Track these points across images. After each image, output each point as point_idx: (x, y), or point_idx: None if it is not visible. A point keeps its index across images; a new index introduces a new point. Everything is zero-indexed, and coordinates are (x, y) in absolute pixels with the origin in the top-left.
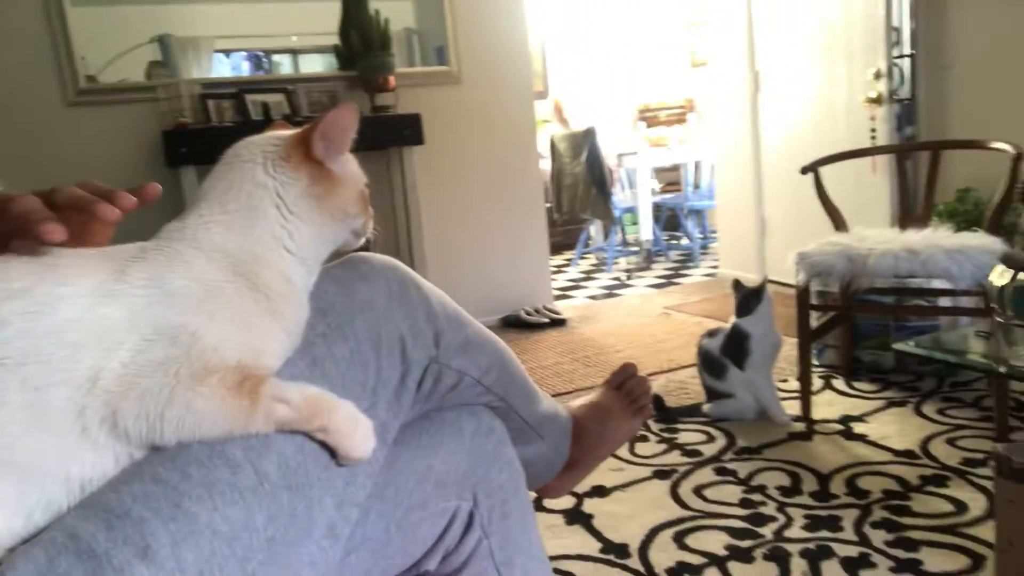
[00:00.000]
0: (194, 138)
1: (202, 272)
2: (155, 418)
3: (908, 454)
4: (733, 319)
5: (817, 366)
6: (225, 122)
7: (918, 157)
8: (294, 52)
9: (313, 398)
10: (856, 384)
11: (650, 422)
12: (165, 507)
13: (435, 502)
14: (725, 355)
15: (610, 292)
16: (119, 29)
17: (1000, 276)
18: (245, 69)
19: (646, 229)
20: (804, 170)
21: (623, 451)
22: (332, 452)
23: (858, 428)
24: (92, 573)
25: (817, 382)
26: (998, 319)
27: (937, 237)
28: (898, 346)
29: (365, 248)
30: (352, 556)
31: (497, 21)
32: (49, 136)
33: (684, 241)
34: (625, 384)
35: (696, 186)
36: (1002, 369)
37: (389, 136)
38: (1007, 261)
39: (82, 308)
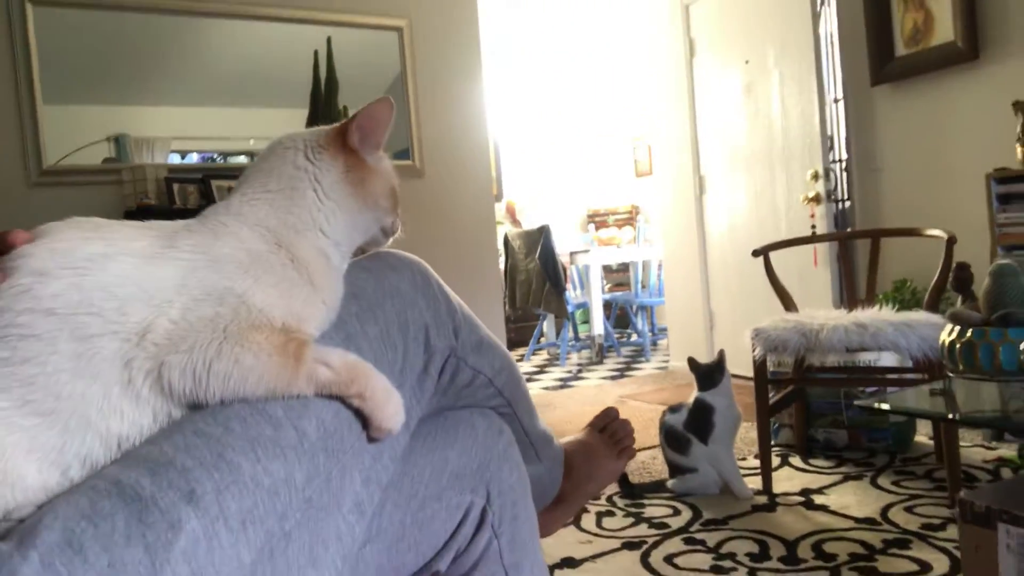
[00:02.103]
0: (156, 218)
1: (247, 242)
2: (202, 371)
3: (869, 521)
4: (696, 393)
5: (773, 445)
6: (189, 205)
7: (856, 251)
8: (251, 155)
9: (352, 363)
10: (812, 461)
11: (616, 498)
12: (209, 457)
13: (449, 494)
14: (688, 429)
15: (564, 384)
16: (78, 126)
17: (949, 334)
18: None
19: (598, 324)
20: (756, 253)
21: (590, 524)
22: (364, 424)
23: (818, 499)
24: (137, 515)
25: (774, 460)
26: (949, 374)
27: (883, 314)
28: (860, 402)
29: None
30: (367, 548)
31: (459, 125)
32: (9, 214)
33: (634, 337)
34: (609, 426)
35: (644, 285)
36: (956, 416)
37: None
38: (954, 319)
39: (131, 267)
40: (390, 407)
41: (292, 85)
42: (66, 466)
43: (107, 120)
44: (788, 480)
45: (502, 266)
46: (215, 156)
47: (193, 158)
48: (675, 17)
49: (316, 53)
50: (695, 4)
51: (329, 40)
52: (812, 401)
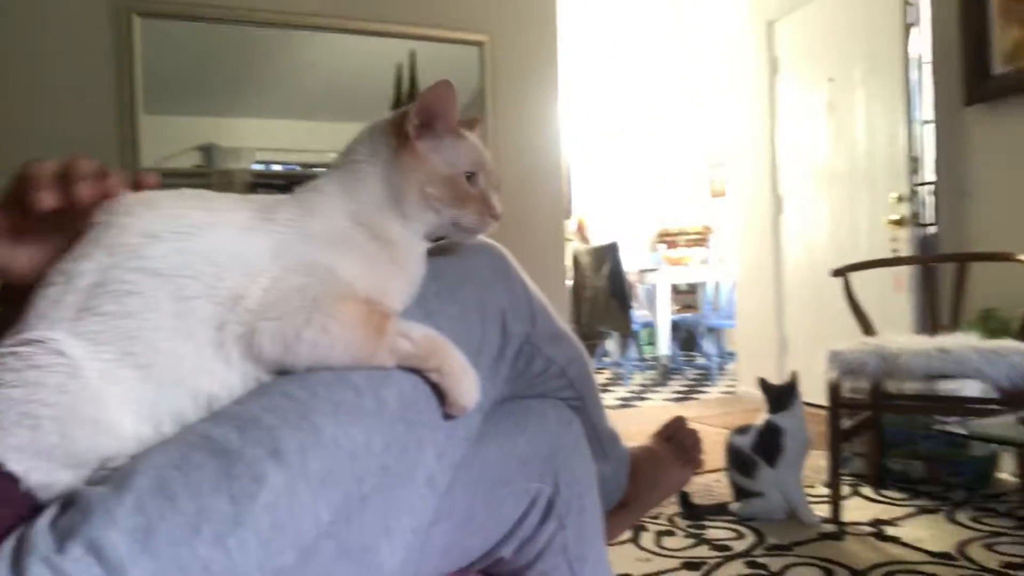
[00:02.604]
0: None
1: (334, 219)
2: (292, 337)
3: (945, 556)
4: (765, 415)
5: (844, 474)
6: None
7: (941, 276)
8: None
9: (432, 338)
10: (884, 492)
11: (677, 519)
12: (293, 418)
13: (518, 480)
14: (757, 452)
15: (626, 403)
16: (172, 135)
17: None
18: None
19: (664, 344)
20: (835, 273)
21: (649, 542)
22: (440, 400)
23: (890, 531)
24: (225, 467)
25: (844, 489)
26: None
27: (969, 340)
28: (940, 427)
29: None
30: (436, 527)
31: (534, 140)
32: None
33: (700, 360)
34: (676, 435)
35: (715, 307)
36: None
37: None
38: None
39: (230, 236)
40: (466, 383)
41: (373, 99)
42: (159, 420)
43: (198, 130)
44: (858, 510)
45: (569, 283)
46: (296, 167)
47: (276, 169)
48: (758, 34)
49: (399, 67)
50: (779, 21)
51: (413, 54)
52: (887, 430)
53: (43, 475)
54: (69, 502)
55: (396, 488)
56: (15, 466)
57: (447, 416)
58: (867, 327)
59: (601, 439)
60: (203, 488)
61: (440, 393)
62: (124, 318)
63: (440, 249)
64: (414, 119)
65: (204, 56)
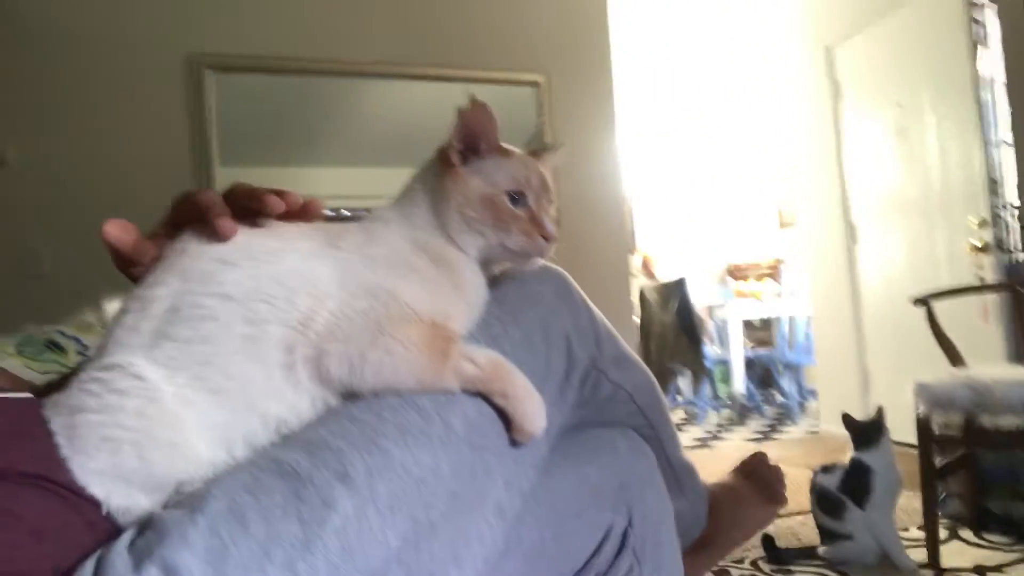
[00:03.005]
0: None
1: (394, 244)
2: (357, 359)
3: None
4: (852, 453)
5: (940, 516)
6: None
7: None
8: None
9: (496, 361)
10: (986, 535)
11: (761, 563)
12: (361, 442)
13: (590, 512)
14: (844, 492)
15: (703, 443)
16: None
17: None
18: None
19: (739, 382)
20: (917, 301)
21: None
22: (506, 426)
23: None
24: (294, 490)
25: (942, 532)
26: None
27: None
28: None
29: None
30: (506, 560)
31: (594, 178)
32: None
33: (779, 398)
34: (756, 471)
35: (791, 344)
36: None
37: None
38: None
39: (300, 262)
40: (532, 406)
41: (437, 142)
42: (231, 444)
43: (272, 180)
44: (958, 554)
45: (636, 320)
46: (365, 213)
47: (346, 214)
48: (817, 60)
49: (458, 109)
50: (839, 46)
51: (471, 96)
52: (985, 468)
53: (123, 499)
54: (146, 525)
55: (465, 515)
56: (96, 490)
57: (513, 442)
58: (954, 358)
59: (676, 472)
60: (274, 512)
61: (506, 418)
62: (199, 343)
63: (502, 275)
64: (455, 143)
65: (275, 108)
